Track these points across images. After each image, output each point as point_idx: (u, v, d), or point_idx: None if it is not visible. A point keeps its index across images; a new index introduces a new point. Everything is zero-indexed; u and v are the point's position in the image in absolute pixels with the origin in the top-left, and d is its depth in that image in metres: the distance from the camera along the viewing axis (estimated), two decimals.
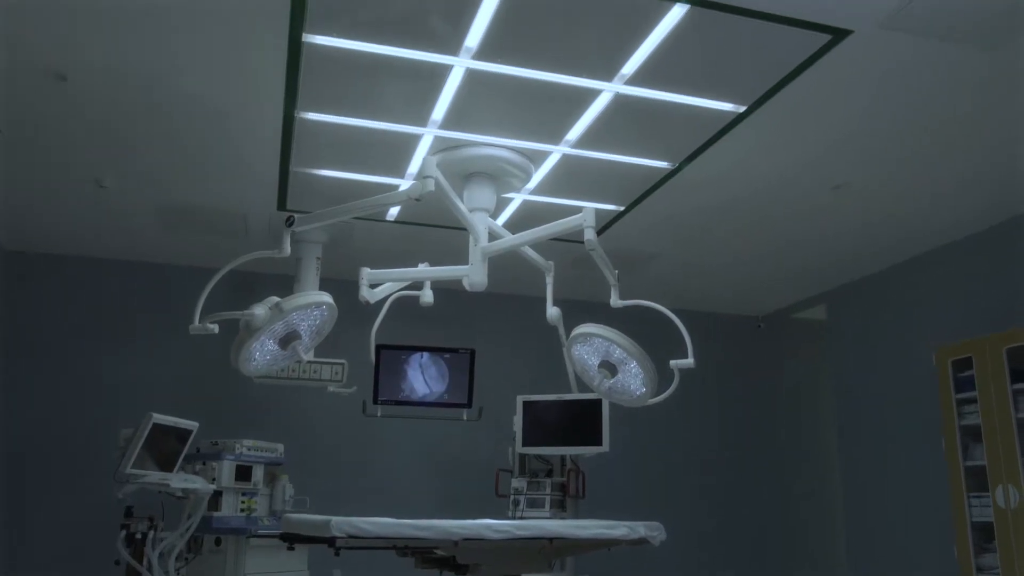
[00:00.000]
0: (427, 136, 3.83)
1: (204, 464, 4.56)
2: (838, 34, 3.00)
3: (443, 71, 3.27)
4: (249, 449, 4.67)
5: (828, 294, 6.36)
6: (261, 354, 3.17)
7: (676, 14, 2.88)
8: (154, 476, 4.04)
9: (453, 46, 3.09)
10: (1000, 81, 3.34)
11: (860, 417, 5.88)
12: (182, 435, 4.23)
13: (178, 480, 4.16)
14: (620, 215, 4.81)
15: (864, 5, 2.83)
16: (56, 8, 2.93)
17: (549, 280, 3.91)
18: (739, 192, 4.49)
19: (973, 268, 5.02)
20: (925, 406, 4.99)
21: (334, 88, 3.46)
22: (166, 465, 4.15)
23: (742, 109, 3.57)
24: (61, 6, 2.91)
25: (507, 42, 3.06)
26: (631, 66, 3.21)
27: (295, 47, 3.11)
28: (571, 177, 4.29)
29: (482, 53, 3.12)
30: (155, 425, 4.01)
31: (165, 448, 4.14)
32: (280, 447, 4.89)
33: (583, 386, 4.08)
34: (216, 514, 4.46)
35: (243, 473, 4.63)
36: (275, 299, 3.01)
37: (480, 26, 2.95)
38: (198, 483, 4.24)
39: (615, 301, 3.54)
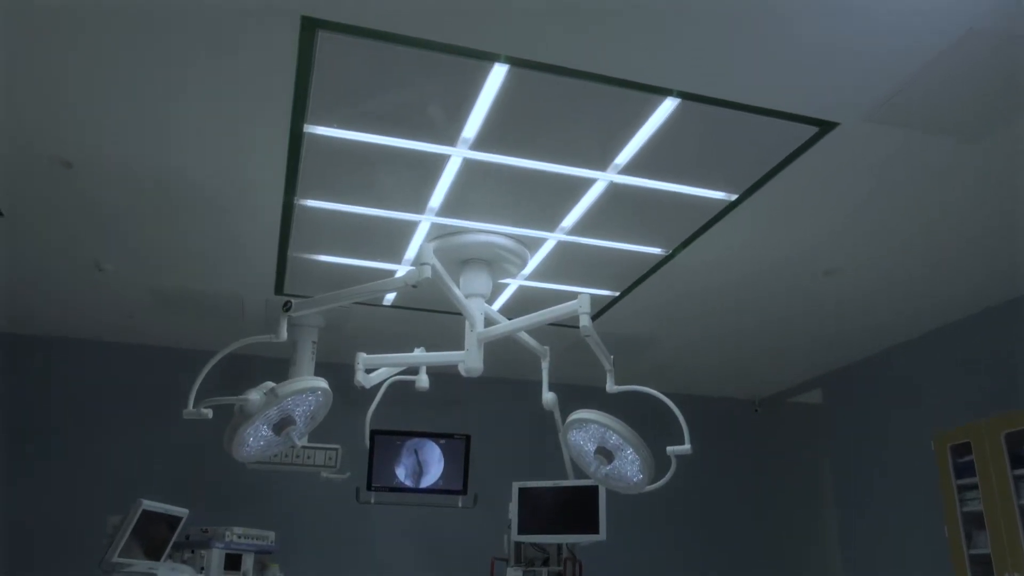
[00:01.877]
0: (424, 223, 3.90)
1: (193, 552, 4.46)
2: (825, 126, 3.09)
3: (441, 161, 3.35)
4: (239, 536, 4.57)
5: (824, 377, 6.34)
6: (255, 439, 3.13)
7: (667, 107, 2.97)
8: (141, 565, 3.94)
9: (451, 137, 3.17)
10: (987, 170, 3.42)
11: (861, 504, 5.79)
12: (172, 522, 4.14)
13: (165, 569, 4.05)
14: (615, 300, 4.85)
15: (849, 98, 2.92)
16: (65, 98, 3.01)
17: (545, 365, 3.90)
18: (733, 277, 4.54)
19: (969, 351, 5.02)
20: (926, 493, 4.93)
21: (333, 176, 3.53)
22: (154, 553, 4.06)
23: (734, 198, 3.64)
24: (70, 95, 3.00)
25: (504, 133, 3.15)
26: (625, 156, 3.29)
27: (296, 138, 3.19)
28: (566, 263, 4.34)
29: (479, 144, 3.21)
30: (144, 512, 3.94)
31: (154, 535, 4.05)
32: (271, 534, 4.78)
33: (579, 472, 4.02)
34: None
35: (232, 561, 4.52)
36: (270, 384, 2.99)
37: (477, 118, 3.04)
38: (186, 572, 4.14)
39: (611, 387, 3.52)
